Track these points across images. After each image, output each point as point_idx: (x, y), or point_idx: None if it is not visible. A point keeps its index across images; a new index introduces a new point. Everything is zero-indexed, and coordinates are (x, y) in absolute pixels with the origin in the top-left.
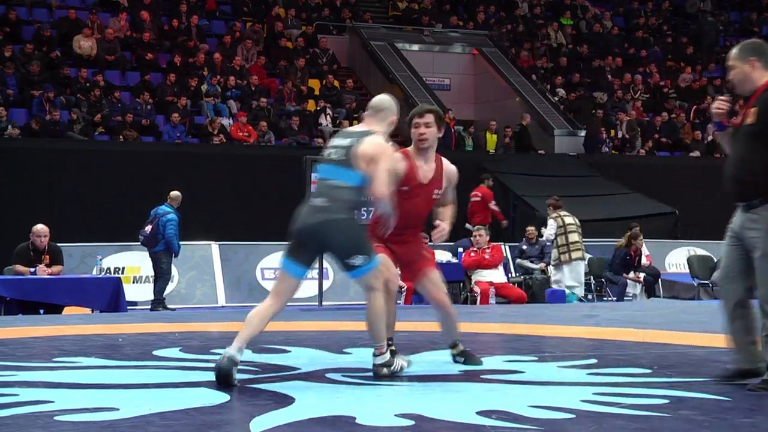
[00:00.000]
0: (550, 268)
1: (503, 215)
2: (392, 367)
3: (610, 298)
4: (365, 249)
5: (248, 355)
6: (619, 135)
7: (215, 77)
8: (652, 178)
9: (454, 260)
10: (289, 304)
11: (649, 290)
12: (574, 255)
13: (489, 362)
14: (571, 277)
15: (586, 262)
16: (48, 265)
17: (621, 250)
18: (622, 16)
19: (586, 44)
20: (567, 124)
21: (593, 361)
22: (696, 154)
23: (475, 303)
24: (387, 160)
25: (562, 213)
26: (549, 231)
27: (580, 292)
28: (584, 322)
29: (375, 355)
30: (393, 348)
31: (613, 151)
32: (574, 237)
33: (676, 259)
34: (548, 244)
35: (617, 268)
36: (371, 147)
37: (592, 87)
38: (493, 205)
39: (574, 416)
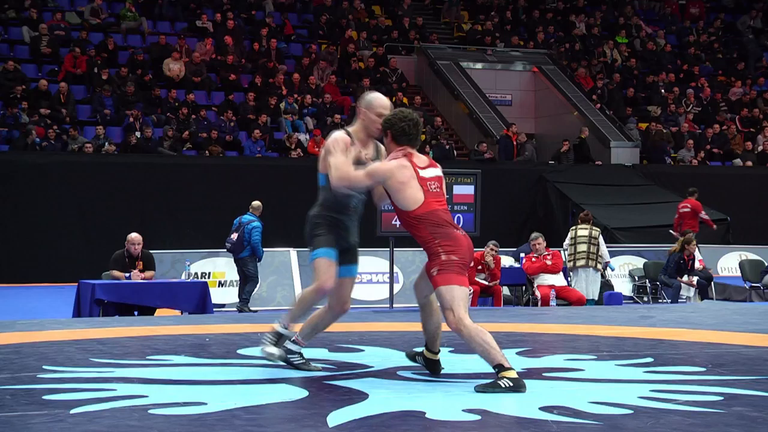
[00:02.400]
0: (570, 274)
1: (712, 222)
2: (271, 351)
3: (664, 301)
4: (312, 242)
5: (325, 354)
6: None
7: (293, 96)
8: (705, 186)
9: (516, 265)
10: (361, 306)
11: (703, 293)
12: (578, 263)
13: (550, 361)
14: (585, 281)
15: (642, 267)
16: (141, 271)
17: (675, 255)
18: (675, 34)
19: (640, 61)
20: (622, 137)
21: (650, 359)
22: (747, 163)
23: (536, 305)
24: (333, 151)
25: (584, 226)
26: (565, 241)
27: (594, 296)
28: (640, 323)
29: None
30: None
31: (671, 162)
32: (581, 247)
33: (728, 263)
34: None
35: (671, 272)
36: (323, 146)
37: (645, 101)
38: (703, 215)
39: (632, 412)
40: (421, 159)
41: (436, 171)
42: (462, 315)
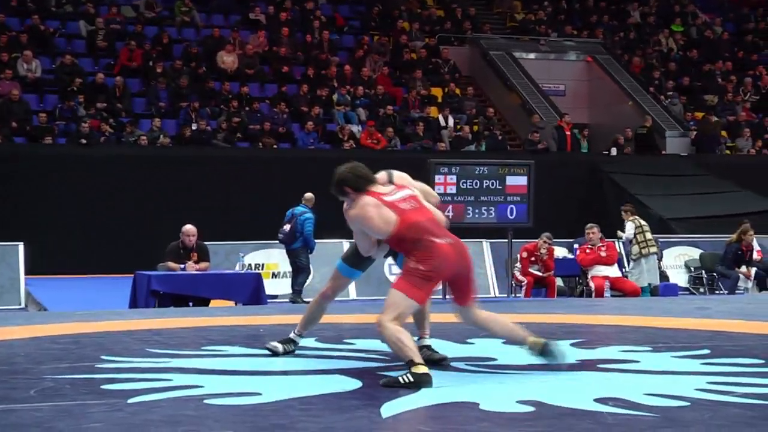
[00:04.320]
0: (631, 263)
1: None
2: (276, 347)
3: (721, 292)
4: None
5: (378, 345)
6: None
7: (345, 87)
8: (762, 176)
9: (570, 256)
10: None
11: (761, 284)
12: (651, 250)
13: (605, 352)
14: (647, 270)
15: (699, 257)
16: (196, 262)
17: (732, 246)
18: (732, 22)
19: (696, 49)
20: (678, 126)
21: (706, 351)
22: None
23: (590, 296)
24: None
25: (636, 217)
26: (628, 232)
27: (655, 281)
28: (697, 314)
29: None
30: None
31: (727, 152)
32: (648, 235)
33: None
34: (627, 243)
35: (729, 263)
36: None
37: (702, 90)
38: None
39: (689, 404)
40: (384, 189)
41: (406, 191)
42: (386, 319)
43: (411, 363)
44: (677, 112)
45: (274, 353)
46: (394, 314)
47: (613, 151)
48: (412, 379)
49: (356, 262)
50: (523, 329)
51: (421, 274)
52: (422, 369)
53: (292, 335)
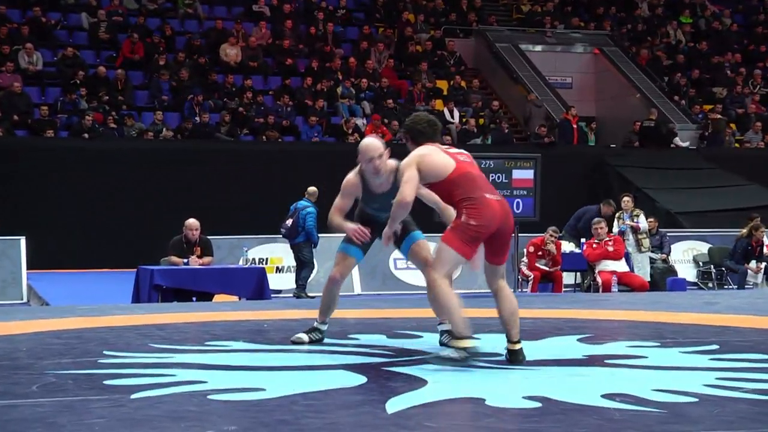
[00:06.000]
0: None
1: None
2: (300, 337)
3: (730, 287)
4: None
5: (383, 340)
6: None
7: (349, 80)
8: None
9: (577, 250)
10: (420, 292)
11: None
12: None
13: (612, 347)
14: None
15: (707, 252)
16: (199, 257)
17: (743, 240)
18: (741, 13)
19: (705, 41)
20: (686, 119)
21: (715, 347)
22: None
23: (597, 291)
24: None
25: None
26: (643, 223)
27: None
28: (705, 309)
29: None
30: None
31: (736, 144)
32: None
33: None
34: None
35: (738, 258)
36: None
37: (711, 83)
38: None
39: (697, 400)
40: (444, 146)
41: (464, 152)
42: (438, 276)
43: (455, 336)
44: (684, 104)
45: (300, 344)
46: (445, 270)
47: (617, 144)
48: (456, 355)
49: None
50: (518, 331)
51: (472, 229)
52: (466, 343)
53: (315, 324)
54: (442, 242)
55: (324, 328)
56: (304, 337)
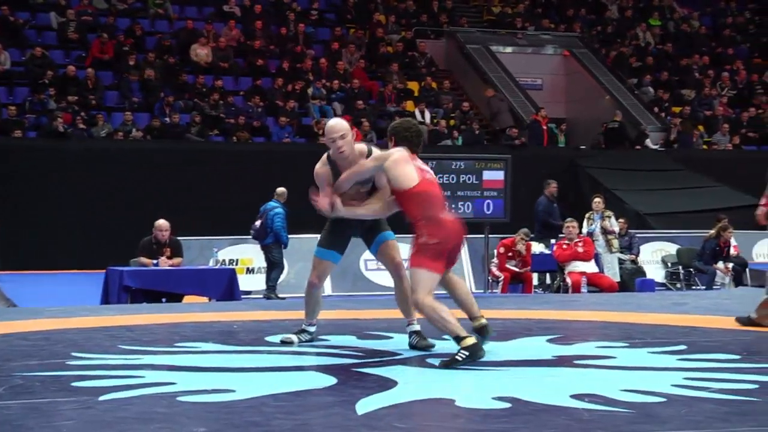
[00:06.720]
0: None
1: None
2: (290, 338)
3: (698, 287)
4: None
5: (353, 341)
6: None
7: (321, 81)
8: (738, 171)
9: (547, 251)
10: (391, 293)
11: (737, 279)
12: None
13: (581, 348)
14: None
15: (675, 253)
16: (169, 257)
17: (711, 241)
18: (709, 16)
19: (674, 43)
20: (655, 121)
21: (683, 347)
22: None
23: (567, 292)
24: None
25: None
26: (615, 225)
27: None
28: (674, 309)
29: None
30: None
31: (704, 146)
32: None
33: (763, 249)
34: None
35: (707, 259)
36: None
37: (679, 84)
38: None
39: (665, 400)
40: (417, 160)
41: (430, 171)
42: (421, 297)
43: (458, 338)
44: (648, 102)
45: (290, 344)
46: (425, 291)
47: (586, 146)
48: (467, 354)
49: (332, 241)
50: (477, 307)
51: (432, 247)
52: (470, 341)
53: (303, 326)
54: (412, 267)
55: (312, 329)
56: (294, 338)
